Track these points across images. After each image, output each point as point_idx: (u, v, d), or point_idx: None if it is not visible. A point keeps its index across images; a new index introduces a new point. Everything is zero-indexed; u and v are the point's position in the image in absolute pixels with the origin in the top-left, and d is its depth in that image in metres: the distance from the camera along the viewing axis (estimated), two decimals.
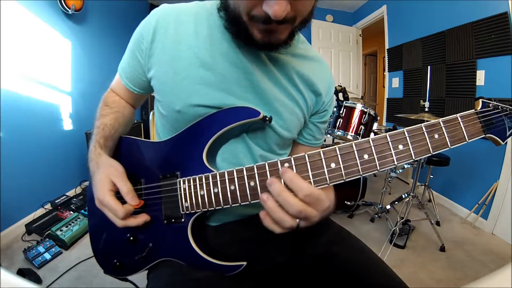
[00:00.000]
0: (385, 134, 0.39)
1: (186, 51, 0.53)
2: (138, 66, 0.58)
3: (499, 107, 0.41)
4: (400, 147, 0.39)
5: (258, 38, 0.45)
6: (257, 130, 0.57)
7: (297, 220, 0.39)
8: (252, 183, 0.43)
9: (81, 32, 2.41)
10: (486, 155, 2.02)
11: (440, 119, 0.39)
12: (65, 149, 2.26)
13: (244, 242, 0.60)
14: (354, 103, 2.00)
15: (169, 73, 0.54)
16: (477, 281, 0.33)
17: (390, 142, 0.39)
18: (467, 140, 0.39)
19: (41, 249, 1.55)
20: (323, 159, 0.40)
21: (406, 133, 0.39)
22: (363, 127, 1.95)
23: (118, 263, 0.56)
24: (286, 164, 0.41)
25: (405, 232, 1.80)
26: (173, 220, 0.51)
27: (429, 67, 2.46)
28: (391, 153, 0.39)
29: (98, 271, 0.61)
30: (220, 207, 0.46)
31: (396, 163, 0.39)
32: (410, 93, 2.98)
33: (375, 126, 2.06)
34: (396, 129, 0.41)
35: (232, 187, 0.44)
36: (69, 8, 2.11)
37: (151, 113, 0.89)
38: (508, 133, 0.41)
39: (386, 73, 3.43)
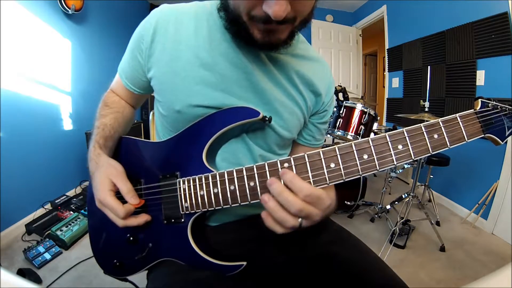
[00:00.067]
0: (384, 134, 0.39)
1: (186, 51, 0.53)
2: (138, 66, 0.58)
3: (498, 107, 0.41)
4: (400, 147, 0.39)
5: (258, 38, 0.45)
6: (257, 130, 0.57)
7: (299, 220, 0.39)
8: (251, 183, 0.43)
9: (81, 32, 2.41)
10: (486, 155, 2.01)
11: (439, 119, 0.39)
12: (65, 149, 2.26)
13: (244, 242, 0.60)
14: (354, 103, 2.00)
15: (169, 73, 0.54)
16: (477, 281, 0.33)
17: (389, 142, 0.39)
18: (466, 140, 0.39)
19: (41, 249, 1.55)
20: (322, 159, 0.40)
21: (405, 133, 0.39)
22: (363, 127, 1.95)
23: (118, 263, 0.56)
24: (286, 164, 0.41)
25: (405, 232, 1.80)
26: (173, 220, 0.51)
27: (429, 67, 2.46)
28: (391, 153, 0.39)
29: (98, 271, 0.61)
30: (220, 207, 0.46)
31: (395, 163, 0.39)
32: (410, 93, 2.98)
33: (375, 126, 2.06)
34: (396, 129, 0.41)
35: (232, 187, 0.44)
36: (69, 8, 2.11)
37: (151, 113, 0.89)
38: (507, 133, 0.41)
39: (386, 73, 3.43)
